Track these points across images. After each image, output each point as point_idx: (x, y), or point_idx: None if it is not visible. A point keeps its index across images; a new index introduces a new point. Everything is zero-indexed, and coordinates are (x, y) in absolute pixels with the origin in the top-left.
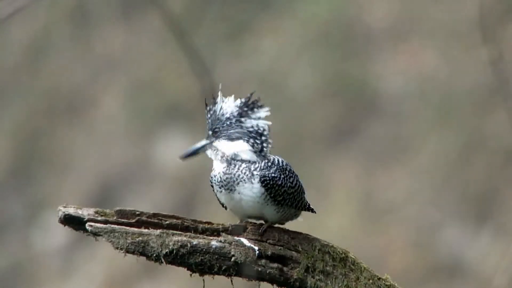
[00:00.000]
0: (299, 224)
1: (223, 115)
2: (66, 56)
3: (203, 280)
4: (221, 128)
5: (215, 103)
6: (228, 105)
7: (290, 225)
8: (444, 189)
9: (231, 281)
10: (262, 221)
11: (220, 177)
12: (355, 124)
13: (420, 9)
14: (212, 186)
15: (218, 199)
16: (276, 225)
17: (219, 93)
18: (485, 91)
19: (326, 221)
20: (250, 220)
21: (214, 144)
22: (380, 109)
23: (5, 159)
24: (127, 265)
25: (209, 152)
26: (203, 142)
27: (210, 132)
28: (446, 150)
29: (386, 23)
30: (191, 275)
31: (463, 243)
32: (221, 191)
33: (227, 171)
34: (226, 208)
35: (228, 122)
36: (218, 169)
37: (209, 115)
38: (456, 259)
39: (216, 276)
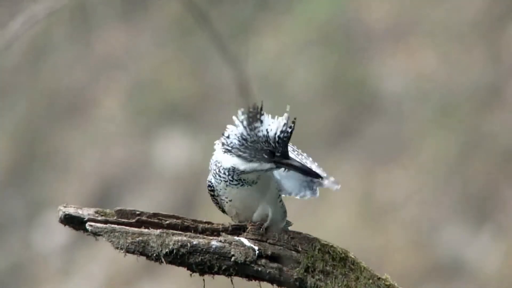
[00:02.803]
0: (299, 224)
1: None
2: (66, 56)
3: (203, 280)
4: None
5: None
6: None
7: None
8: (444, 189)
9: (231, 281)
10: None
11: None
12: (355, 124)
13: (420, 9)
14: (211, 186)
15: (217, 201)
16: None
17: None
18: (484, 91)
19: (326, 221)
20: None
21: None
22: (380, 109)
23: (5, 159)
24: (127, 265)
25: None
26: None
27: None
28: (446, 150)
29: (386, 23)
30: (191, 275)
31: (463, 243)
32: (237, 187)
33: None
34: (223, 210)
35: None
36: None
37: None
38: (456, 259)
39: (216, 276)
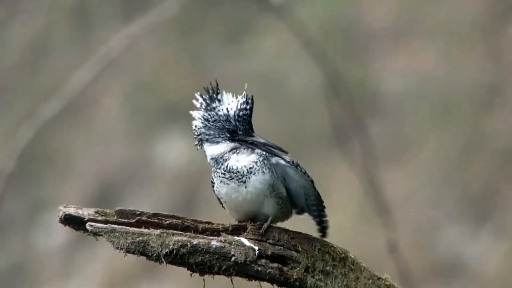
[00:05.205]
0: (299, 224)
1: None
2: (66, 56)
3: (203, 280)
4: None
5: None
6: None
7: (290, 225)
8: (444, 189)
9: (231, 281)
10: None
11: (237, 167)
12: (355, 124)
13: (420, 9)
14: (213, 182)
15: (218, 197)
16: (276, 225)
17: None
18: (485, 91)
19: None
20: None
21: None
22: (380, 109)
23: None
24: (127, 265)
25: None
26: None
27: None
28: (446, 150)
29: (386, 23)
30: (191, 275)
31: (463, 243)
32: (227, 184)
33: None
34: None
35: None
36: (241, 159)
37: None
38: (456, 259)
39: (216, 276)
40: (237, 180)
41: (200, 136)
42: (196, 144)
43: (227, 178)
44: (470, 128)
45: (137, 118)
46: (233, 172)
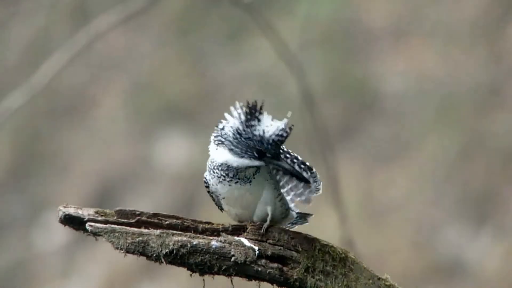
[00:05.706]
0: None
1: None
2: (66, 56)
3: (203, 280)
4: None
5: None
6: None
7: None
8: (444, 189)
9: (231, 281)
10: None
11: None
12: (355, 124)
13: (420, 9)
14: (207, 183)
15: (213, 198)
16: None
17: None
18: (485, 91)
19: (326, 221)
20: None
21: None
22: (380, 109)
23: (5, 159)
24: (127, 265)
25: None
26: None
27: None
28: (446, 150)
29: (386, 23)
30: (191, 275)
31: (463, 243)
32: (230, 185)
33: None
34: (221, 208)
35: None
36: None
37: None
38: (456, 259)
39: (216, 276)
40: (242, 182)
41: (222, 140)
42: (214, 142)
43: (228, 181)
44: (470, 128)
45: (137, 118)
46: (239, 178)
